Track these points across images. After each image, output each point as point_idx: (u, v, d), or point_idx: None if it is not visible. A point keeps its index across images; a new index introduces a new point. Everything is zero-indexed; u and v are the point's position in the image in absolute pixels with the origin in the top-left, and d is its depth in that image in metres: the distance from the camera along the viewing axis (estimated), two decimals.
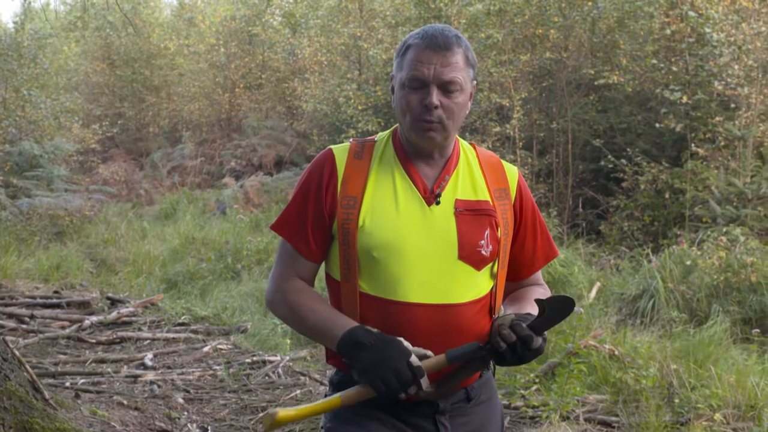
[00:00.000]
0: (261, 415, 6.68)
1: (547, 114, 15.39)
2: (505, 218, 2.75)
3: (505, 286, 2.91)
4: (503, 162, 2.85)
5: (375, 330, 2.57)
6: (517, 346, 2.55)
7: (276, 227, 2.79)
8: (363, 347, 2.52)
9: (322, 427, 2.82)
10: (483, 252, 2.67)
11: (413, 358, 2.50)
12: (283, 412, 2.55)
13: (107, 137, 26.57)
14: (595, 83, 14.13)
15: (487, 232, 2.68)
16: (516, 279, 2.90)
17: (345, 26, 20.50)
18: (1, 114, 19.06)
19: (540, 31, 14.34)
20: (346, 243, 2.65)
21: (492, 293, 2.75)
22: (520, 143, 14.50)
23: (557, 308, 2.59)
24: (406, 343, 2.54)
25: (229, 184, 21.58)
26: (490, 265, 2.72)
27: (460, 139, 2.81)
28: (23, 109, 19.99)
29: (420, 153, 2.72)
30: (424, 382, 2.52)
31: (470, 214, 2.68)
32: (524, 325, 2.56)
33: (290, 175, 20.64)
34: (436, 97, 2.60)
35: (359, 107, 17.68)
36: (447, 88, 2.61)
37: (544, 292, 2.90)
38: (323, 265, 2.81)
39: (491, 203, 2.73)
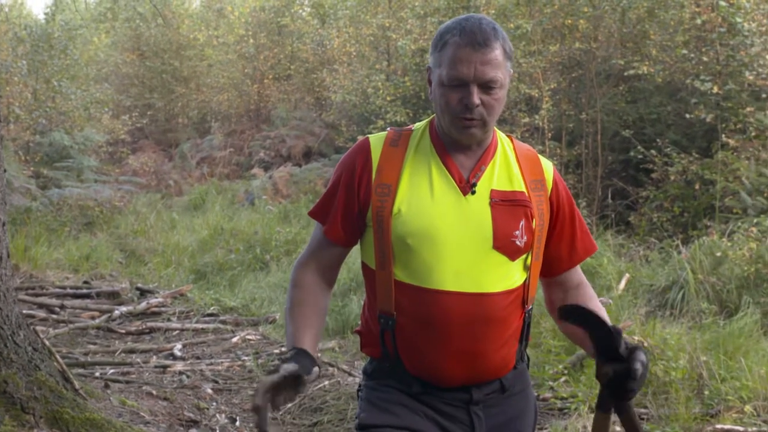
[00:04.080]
0: (289, 405, 6.69)
1: (577, 105, 15.29)
2: (541, 209, 2.73)
3: (548, 281, 2.92)
4: (539, 156, 2.84)
5: (292, 365, 2.46)
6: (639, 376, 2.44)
7: (311, 211, 2.84)
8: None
9: (356, 418, 2.82)
10: (518, 242, 2.66)
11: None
12: None
13: (137, 128, 26.63)
14: (625, 74, 14.01)
15: (522, 222, 2.67)
16: (557, 273, 2.89)
17: (374, 17, 20.48)
18: (31, 105, 19.18)
19: (569, 21, 14.26)
20: (381, 230, 2.66)
21: (525, 285, 2.74)
22: (549, 134, 14.42)
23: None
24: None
25: (257, 175, 21.59)
26: (524, 256, 2.71)
27: (498, 131, 2.80)
28: (53, 100, 20.09)
29: (457, 145, 2.70)
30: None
31: (505, 205, 2.67)
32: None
33: (319, 165, 20.62)
34: (476, 96, 2.57)
35: (388, 98, 17.66)
36: (487, 86, 2.59)
37: (593, 294, 2.88)
38: (360, 254, 2.82)
39: (527, 194, 2.71)
